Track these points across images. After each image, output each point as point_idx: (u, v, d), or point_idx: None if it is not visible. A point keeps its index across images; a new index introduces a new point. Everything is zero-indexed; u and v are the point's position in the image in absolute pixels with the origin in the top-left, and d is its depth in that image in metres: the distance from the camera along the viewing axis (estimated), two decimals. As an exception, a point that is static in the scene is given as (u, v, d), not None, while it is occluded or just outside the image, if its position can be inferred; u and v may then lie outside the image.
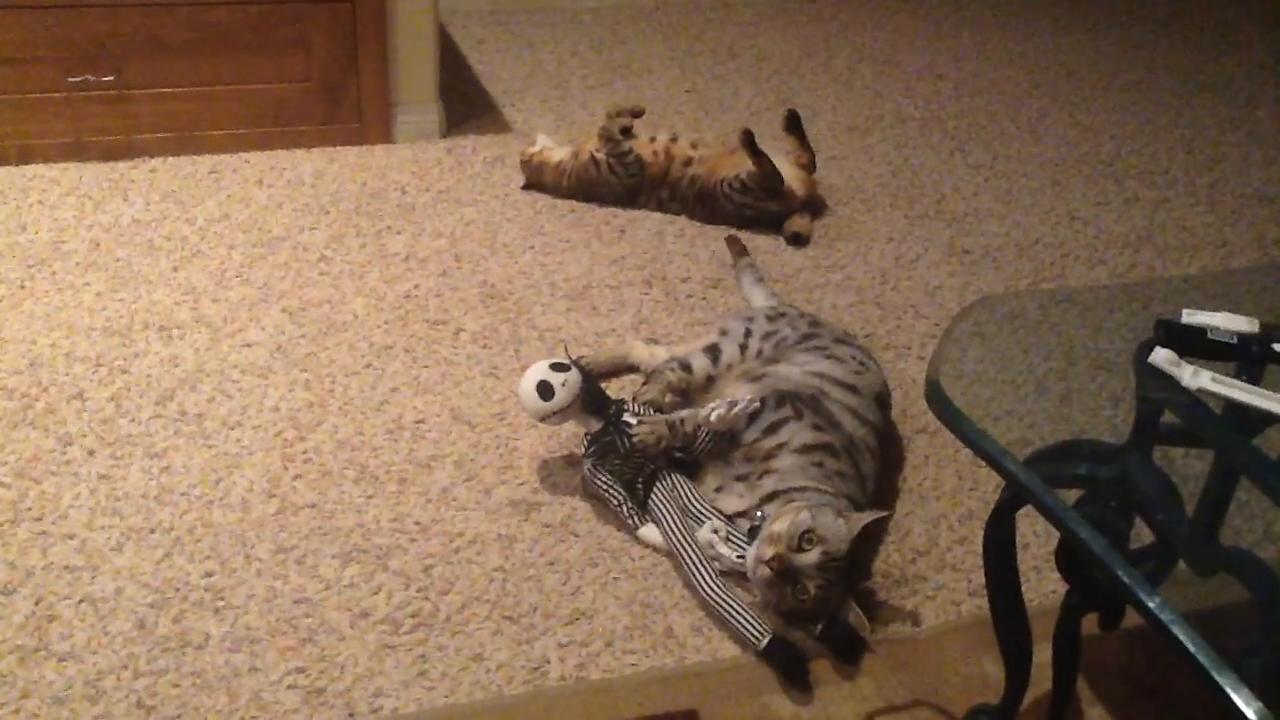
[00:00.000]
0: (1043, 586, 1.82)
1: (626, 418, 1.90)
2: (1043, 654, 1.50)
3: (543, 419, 1.90)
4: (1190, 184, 3.27)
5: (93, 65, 2.72)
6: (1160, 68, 4.16)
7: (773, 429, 1.87)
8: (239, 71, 2.84)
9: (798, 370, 2.01)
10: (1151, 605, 0.99)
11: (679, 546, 1.77)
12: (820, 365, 2.01)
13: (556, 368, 1.88)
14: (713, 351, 2.11)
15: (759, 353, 2.09)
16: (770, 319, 2.17)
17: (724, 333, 2.16)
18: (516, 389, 1.92)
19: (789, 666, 1.64)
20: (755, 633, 1.66)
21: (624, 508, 1.85)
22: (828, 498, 1.77)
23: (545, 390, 1.86)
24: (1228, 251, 2.92)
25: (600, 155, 2.82)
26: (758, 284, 2.48)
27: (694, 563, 1.75)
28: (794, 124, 2.93)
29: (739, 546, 1.77)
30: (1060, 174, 3.26)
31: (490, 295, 2.45)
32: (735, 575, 1.77)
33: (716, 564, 1.76)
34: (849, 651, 1.68)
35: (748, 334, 2.13)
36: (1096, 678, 1.67)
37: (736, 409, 1.87)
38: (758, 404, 1.90)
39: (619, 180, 2.82)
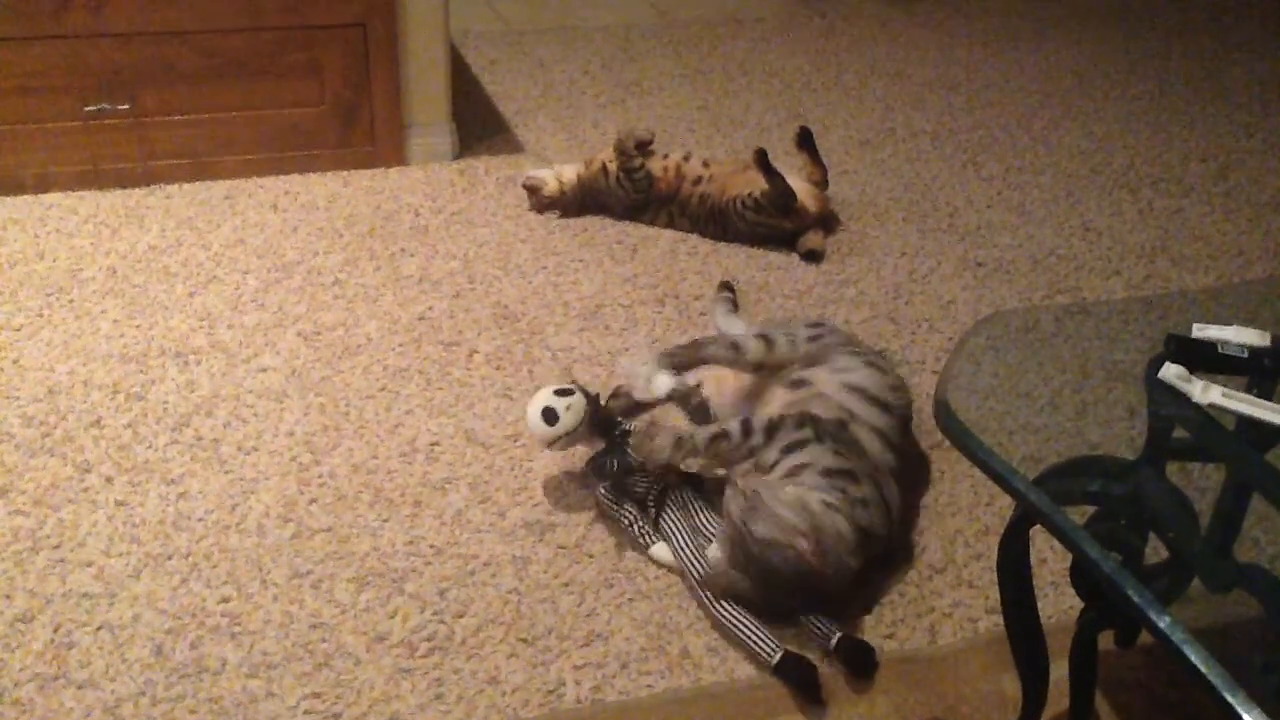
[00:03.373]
0: (1061, 602, 1.81)
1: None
2: (1060, 670, 1.49)
3: (549, 444, 1.91)
4: (1205, 193, 3.26)
5: (108, 94, 2.74)
6: (1173, 76, 4.15)
7: (791, 449, 1.83)
8: (253, 97, 2.86)
9: (835, 380, 1.97)
10: (1162, 625, 0.99)
11: (690, 565, 1.77)
12: (858, 375, 1.98)
13: (561, 393, 1.90)
14: (766, 339, 2.06)
15: (806, 353, 2.06)
16: (809, 325, 2.14)
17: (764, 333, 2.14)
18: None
19: (802, 682, 1.63)
20: (767, 650, 1.66)
21: (635, 527, 1.86)
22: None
23: (550, 416, 1.88)
24: (1244, 260, 2.91)
25: (612, 166, 2.83)
26: (731, 314, 2.46)
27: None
28: (806, 140, 2.93)
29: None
30: (1074, 185, 3.25)
31: (503, 316, 2.46)
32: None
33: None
34: (863, 665, 1.68)
35: (792, 340, 2.09)
36: (1115, 693, 1.66)
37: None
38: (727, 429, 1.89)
39: (625, 194, 2.83)
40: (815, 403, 1.93)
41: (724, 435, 1.86)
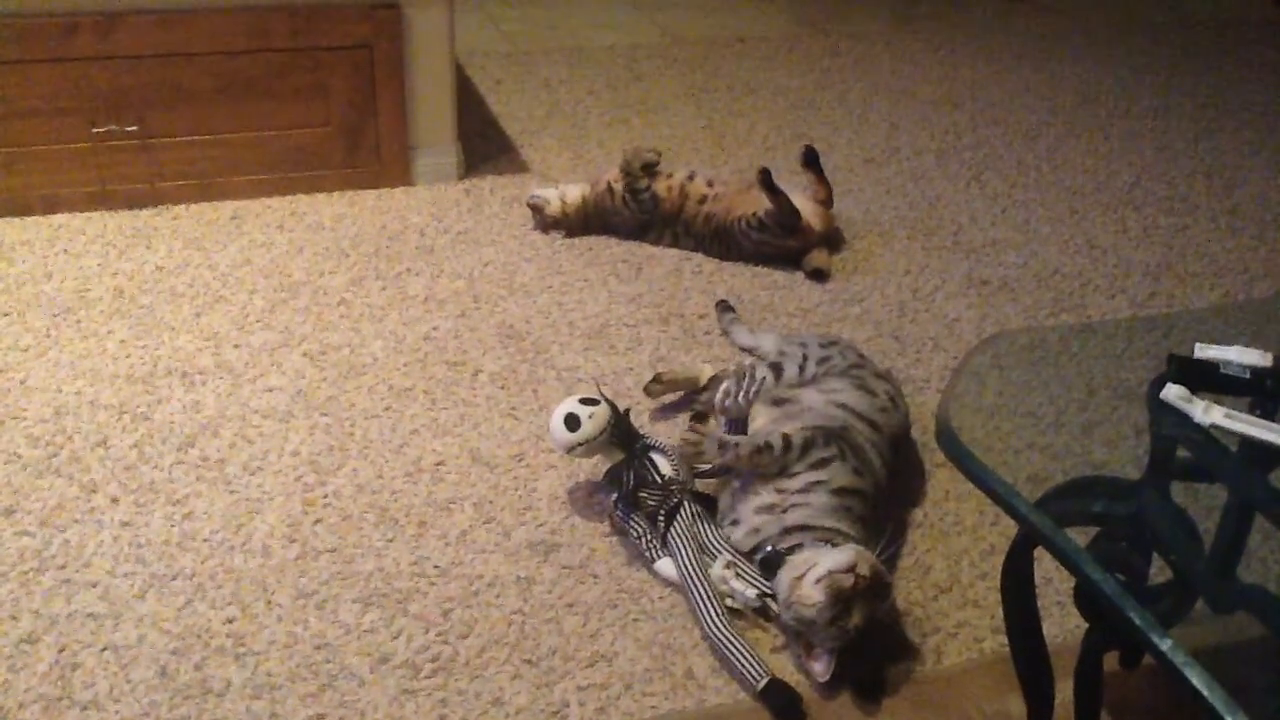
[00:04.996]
0: (1066, 622, 1.81)
1: (654, 455, 1.93)
2: (1066, 691, 1.48)
3: (568, 450, 1.94)
4: (1210, 210, 3.26)
5: (116, 115, 2.76)
6: (1177, 94, 4.15)
7: (817, 465, 1.86)
8: (260, 118, 2.88)
9: (821, 399, 2.00)
10: (1163, 647, 0.99)
11: (690, 580, 1.78)
12: (847, 396, 2.01)
13: (586, 401, 1.94)
14: (776, 369, 2.12)
15: (813, 377, 2.10)
16: (823, 345, 2.18)
17: (782, 353, 2.17)
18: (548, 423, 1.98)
19: (785, 709, 1.63)
20: (755, 673, 1.66)
21: (644, 540, 1.87)
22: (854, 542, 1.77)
23: (572, 422, 1.91)
24: (1249, 278, 2.91)
25: (617, 186, 2.85)
26: (749, 330, 2.49)
27: (702, 597, 1.75)
28: (811, 160, 2.94)
29: (752, 583, 1.77)
30: (1078, 203, 3.26)
31: (508, 336, 2.47)
32: (742, 613, 1.77)
33: (730, 600, 1.76)
34: (868, 685, 1.67)
35: (804, 359, 2.14)
36: (1120, 715, 1.66)
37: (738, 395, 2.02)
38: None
39: (631, 214, 2.85)
40: (807, 415, 1.96)
41: (767, 448, 1.86)
